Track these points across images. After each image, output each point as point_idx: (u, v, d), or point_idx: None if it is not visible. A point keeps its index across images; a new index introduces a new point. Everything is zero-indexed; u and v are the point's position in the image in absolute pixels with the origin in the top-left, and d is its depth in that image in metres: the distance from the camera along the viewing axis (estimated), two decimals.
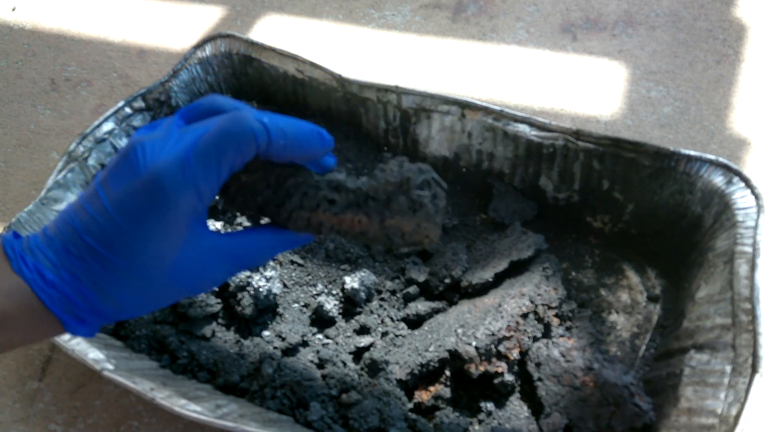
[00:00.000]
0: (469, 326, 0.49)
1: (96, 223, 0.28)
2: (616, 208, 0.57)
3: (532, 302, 0.50)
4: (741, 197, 0.48)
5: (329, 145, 0.32)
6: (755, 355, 0.40)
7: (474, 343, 0.47)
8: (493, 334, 0.47)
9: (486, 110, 0.57)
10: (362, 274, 0.54)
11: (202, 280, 0.31)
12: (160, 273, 0.29)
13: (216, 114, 0.30)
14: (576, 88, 0.74)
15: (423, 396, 0.49)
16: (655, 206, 0.54)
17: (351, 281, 0.53)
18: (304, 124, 0.31)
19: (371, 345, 0.53)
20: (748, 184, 0.48)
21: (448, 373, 0.49)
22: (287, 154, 0.31)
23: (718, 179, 0.50)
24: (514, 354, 0.48)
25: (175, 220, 0.28)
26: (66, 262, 0.28)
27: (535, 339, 0.49)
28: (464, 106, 0.58)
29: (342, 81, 0.61)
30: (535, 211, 0.60)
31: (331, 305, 0.53)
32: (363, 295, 0.53)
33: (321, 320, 0.54)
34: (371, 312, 0.54)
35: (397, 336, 0.53)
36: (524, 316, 0.50)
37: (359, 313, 0.54)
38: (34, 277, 0.27)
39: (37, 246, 0.28)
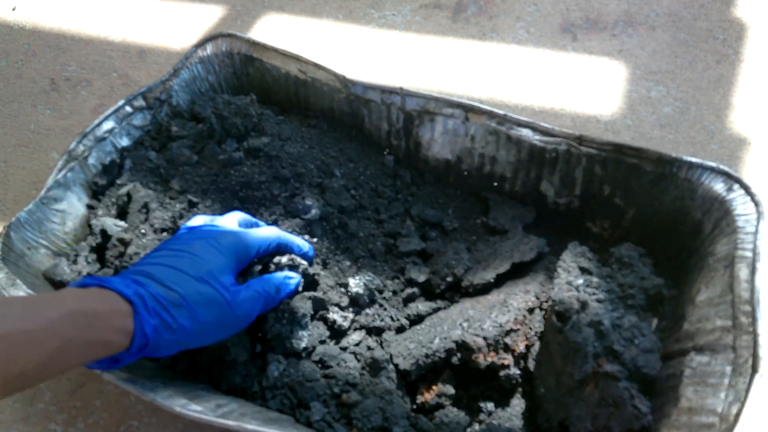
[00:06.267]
0: (475, 320, 0.49)
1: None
2: (616, 214, 0.57)
3: (537, 298, 0.50)
4: (741, 204, 0.48)
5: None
6: (755, 356, 0.40)
7: (482, 334, 0.47)
8: (500, 326, 0.48)
9: (490, 114, 0.57)
10: (367, 277, 0.54)
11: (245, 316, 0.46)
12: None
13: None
14: (576, 88, 0.74)
15: (426, 396, 0.49)
16: (656, 212, 0.54)
17: (356, 286, 0.53)
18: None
19: (377, 344, 0.53)
20: (748, 191, 0.48)
21: (450, 371, 0.49)
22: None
23: (719, 186, 0.50)
24: (521, 347, 0.48)
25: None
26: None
27: (538, 336, 0.50)
28: (468, 109, 0.58)
29: (346, 82, 0.61)
30: (534, 214, 0.60)
31: (341, 319, 0.53)
32: (366, 299, 0.53)
33: (335, 331, 0.53)
34: (373, 312, 0.54)
35: (397, 329, 0.54)
36: (530, 311, 0.50)
37: (362, 313, 0.54)
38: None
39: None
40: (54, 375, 0.37)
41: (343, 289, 0.54)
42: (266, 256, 0.50)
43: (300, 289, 0.51)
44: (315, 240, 0.55)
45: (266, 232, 0.50)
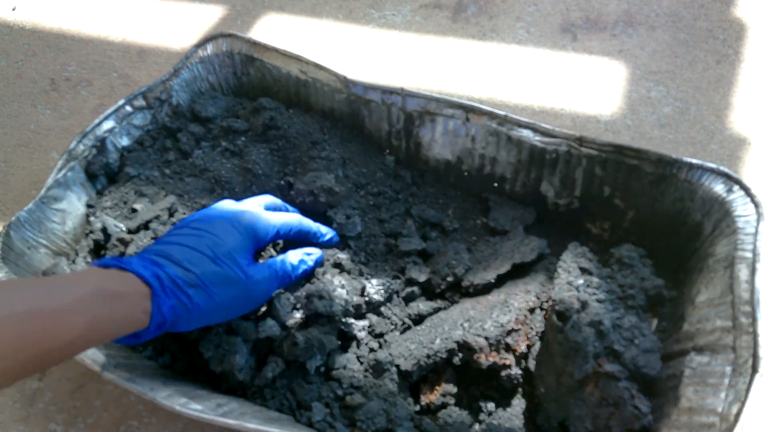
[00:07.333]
0: (476, 320, 0.49)
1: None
2: (616, 215, 0.57)
3: (538, 298, 0.50)
4: (741, 205, 0.48)
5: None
6: (755, 356, 0.40)
7: (483, 334, 0.47)
8: (502, 326, 0.48)
9: (490, 115, 0.57)
10: (384, 282, 0.54)
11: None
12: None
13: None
14: (576, 87, 0.74)
15: (430, 396, 0.49)
16: (656, 213, 0.54)
17: (375, 293, 0.53)
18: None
19: (379, 346, 0.53)
20: (748, 192, 0.48)
21: (451, 371, 0.49)
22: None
23: (719, 187, 0.50)
24: (522, 347, 0.48)
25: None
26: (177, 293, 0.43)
27: (539, 336, 0.50)
28: (469, 110, 0.58)
29: (346, 82, 0.60)
30: (534, 215, 0.60)
31: (363, 332, 0.52)
32: (384, 303, 0.53)
33: (347, 340, 0.53)
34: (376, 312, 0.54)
35: (401, 330, 0.54)
36: (531, 311, 0.50)
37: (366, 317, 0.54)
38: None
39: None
40: (80, 351, 0.38)
41: (359, 296, 0.53)
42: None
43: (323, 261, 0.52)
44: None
45: (288, 217, 0.52)
